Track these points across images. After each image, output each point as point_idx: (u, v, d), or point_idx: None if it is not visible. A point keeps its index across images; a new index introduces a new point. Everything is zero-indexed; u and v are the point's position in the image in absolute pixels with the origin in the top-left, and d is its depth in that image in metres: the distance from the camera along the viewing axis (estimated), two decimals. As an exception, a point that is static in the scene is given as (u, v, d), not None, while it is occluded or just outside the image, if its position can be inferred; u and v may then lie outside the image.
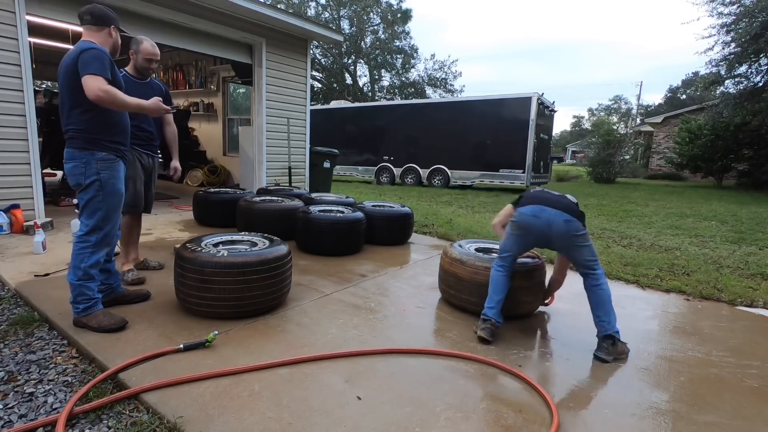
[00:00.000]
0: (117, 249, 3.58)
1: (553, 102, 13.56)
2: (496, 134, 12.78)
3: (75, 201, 2.45)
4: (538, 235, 2.47)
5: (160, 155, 3.40)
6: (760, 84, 13.59)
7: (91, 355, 2.09)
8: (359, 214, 4.38)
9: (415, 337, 2.47)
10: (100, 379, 1.85)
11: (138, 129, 3.09)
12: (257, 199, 4.85)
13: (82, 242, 2.32)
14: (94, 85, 2.11)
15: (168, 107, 2.50)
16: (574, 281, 3.74)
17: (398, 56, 32.50)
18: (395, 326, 2.62)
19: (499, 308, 2.49)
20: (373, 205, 5.01)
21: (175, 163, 3.42)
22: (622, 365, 2.27)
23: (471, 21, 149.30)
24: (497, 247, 3.17)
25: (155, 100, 2.41)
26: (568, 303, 3.15)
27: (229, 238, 2.92)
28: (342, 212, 4.36)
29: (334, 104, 17.94)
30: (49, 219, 4.67)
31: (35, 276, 3.13)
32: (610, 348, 2.30)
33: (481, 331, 2.44)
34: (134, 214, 3.23)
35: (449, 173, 13.57)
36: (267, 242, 2.82)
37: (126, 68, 3.12)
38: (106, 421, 1.65)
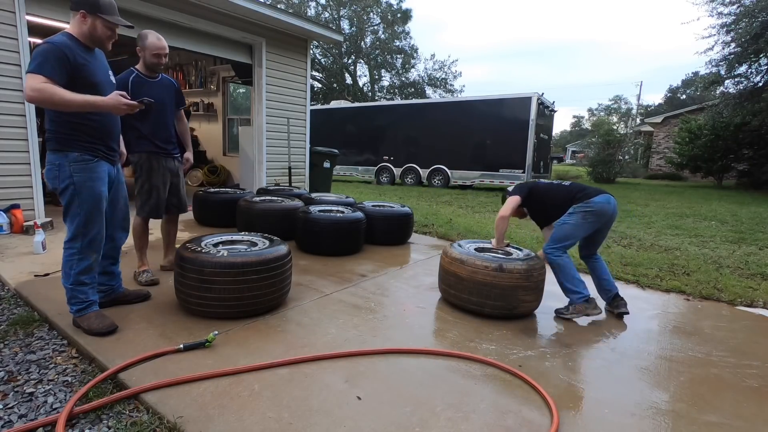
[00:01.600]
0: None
1: (553, 102, 13.56)
2: (496, 134, 12.78)
3: None
4: (605, 220, 2.89)
5: (179, 155, 3.35)
6: (760, 84, 13.59)
7: (91, 355, 2.09)
8: (359, 214, 4.38)
9: (415, 337, 2.47)
10: (100, 379, 1.85)
11: (154, 136, 3.07)
12: (257, 199, 4.85)
13: (69, 248, 2.24)
14: (27, 84, 1.94)
15: (134, 103, 2.13)
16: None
17: (398, 56, 32.48)
18: (395, 326, 2.62)
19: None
20: (373, 205, 5.00)
21: (188, 155, 3.40)
22: (622, 365, 2.27)
23: (471, 21, 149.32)
24: (497, 246, 3.17)
25: (114, 95, 2.09)
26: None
27: (229, 238, 2.92)
28: (342, 212, 4.36)
29: (334, 104, 17.93)
30: (49, 219, 4.67)
31: (35, 276, 3.13)
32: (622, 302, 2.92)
33: (595, 310, 2.78)
34: (149, 220, 3.24)
35: (449, 173, 13.57)
36: (267, 242, 2.82)
37: (136, 66, 3.04)
38: (106, 421, 1.65)
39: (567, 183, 3.06)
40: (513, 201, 2.99)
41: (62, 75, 2.01)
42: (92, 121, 2.19)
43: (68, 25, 2.21)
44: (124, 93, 2.13)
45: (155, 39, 2.96)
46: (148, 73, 3.06)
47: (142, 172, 3.10)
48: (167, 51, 3.04)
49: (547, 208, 3.03)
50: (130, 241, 3.29)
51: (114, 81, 2.40)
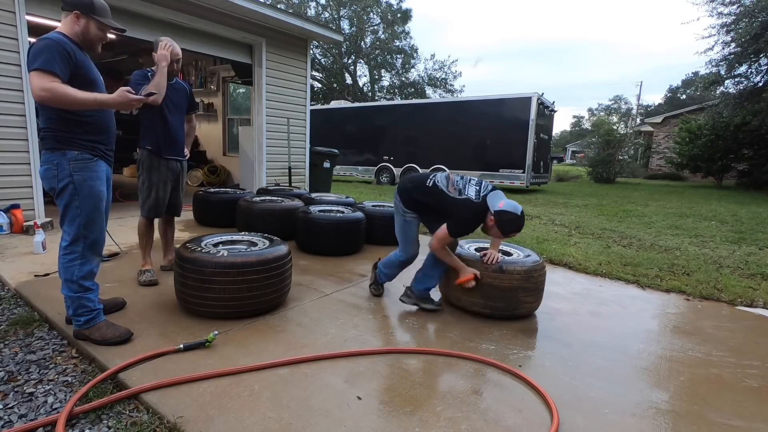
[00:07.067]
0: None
1: (553, 102, 13.54)
2: (496, 134, 12.76)
3: None
4: None
5: (186, 157, 3.42)
6: (760, 84, 13.57)
7: (91, 355, 2.09)
8: (359, 214, 4.37)
9: (415, 337, 2.47)
10: (100, 379, 1.85)
11: (159, 135, 3.11)
12: (257, 199, 4.85)
13: (68, 253, 2.13)
14: (35, 84, 1.86)
15: (140, 96, 2.15)
16: (573, 281, 3.74)
17: (398, 56, 32.48)
18: (395, 326, 2.62)
19: None
20: (373, 205, 5.00)
21: (186, 151, 3.45)
22: (622, 365, 2.27)
23: (471, 21, 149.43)
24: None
25: (121, 91, 2.05)
26: (568, 303, 3.15)
27: (229, 238, 2.92)
28: (342, 212, 4.36)
29: (334, 104, 17.92)
30: (49, 219, 4.67)
31: (35, 276, 3.13)
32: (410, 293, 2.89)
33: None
34: (153, 219, 3.27)
35: (449, 173, 13.56)
36: (267, 242, 2.82)
37: (152, 68, 3.09)
38: (106, 421, 1.65)
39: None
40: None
41: (66, 72, 1.95)
42: (92, 119, 2.12)
43: None
44: (129, 88, 2.09)
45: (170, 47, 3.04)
46: None
47: (143, 170, 3.16)
48: (180, 57, 3.12)
49: None
50: (129, 241, 3.29)
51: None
